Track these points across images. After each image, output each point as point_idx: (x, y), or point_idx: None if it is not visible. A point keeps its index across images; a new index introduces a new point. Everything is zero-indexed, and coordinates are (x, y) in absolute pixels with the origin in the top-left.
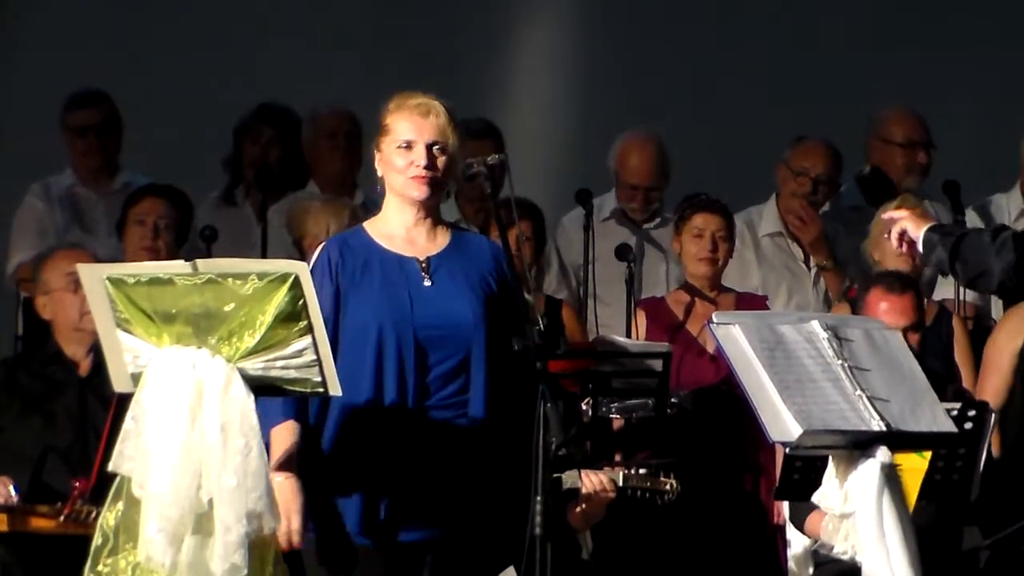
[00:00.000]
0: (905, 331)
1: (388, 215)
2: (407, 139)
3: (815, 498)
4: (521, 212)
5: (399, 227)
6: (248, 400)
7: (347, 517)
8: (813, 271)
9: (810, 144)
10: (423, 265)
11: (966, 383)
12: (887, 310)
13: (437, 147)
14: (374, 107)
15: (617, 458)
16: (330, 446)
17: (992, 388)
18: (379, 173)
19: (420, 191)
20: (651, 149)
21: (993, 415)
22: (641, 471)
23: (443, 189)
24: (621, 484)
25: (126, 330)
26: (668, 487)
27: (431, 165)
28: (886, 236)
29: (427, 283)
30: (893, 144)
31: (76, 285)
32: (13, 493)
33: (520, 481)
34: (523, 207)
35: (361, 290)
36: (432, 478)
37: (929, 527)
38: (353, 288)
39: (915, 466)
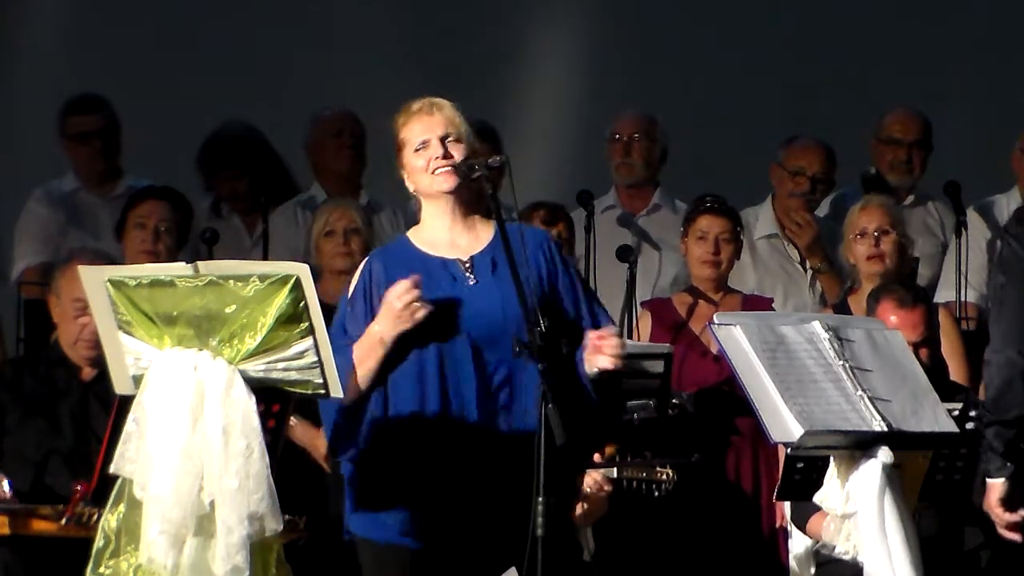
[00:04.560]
0: (916, 346)
1: (427, 222)
2: (421, 140)
3: (817, 498)
4: (556, 215)
5: (440, 231)
6: (249, 402)
7: (391, 518)
8: (809, 273)
9: (804, 143)
10: (466, 265)
11: (954, 375)
12: (897, 325)
13: (450, 138)
14: (376, 108)
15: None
16: (379, 448)
17: None
18: (411, 189)
19: (447, 181)
20: (639, 113)
21: None
22: (636, 461)
23: (470, 178)
24: (615, 476)
25: (127, 332)
26: (664, 477)
27: (447, 155)
28: (853, 237)
29: (472, 282)
30: (883, 142)
31: (79, 312)
32: (7, 488)
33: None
34: (554, 210)
35: None
36: (485, 484)
37: (930, 527)
38: None
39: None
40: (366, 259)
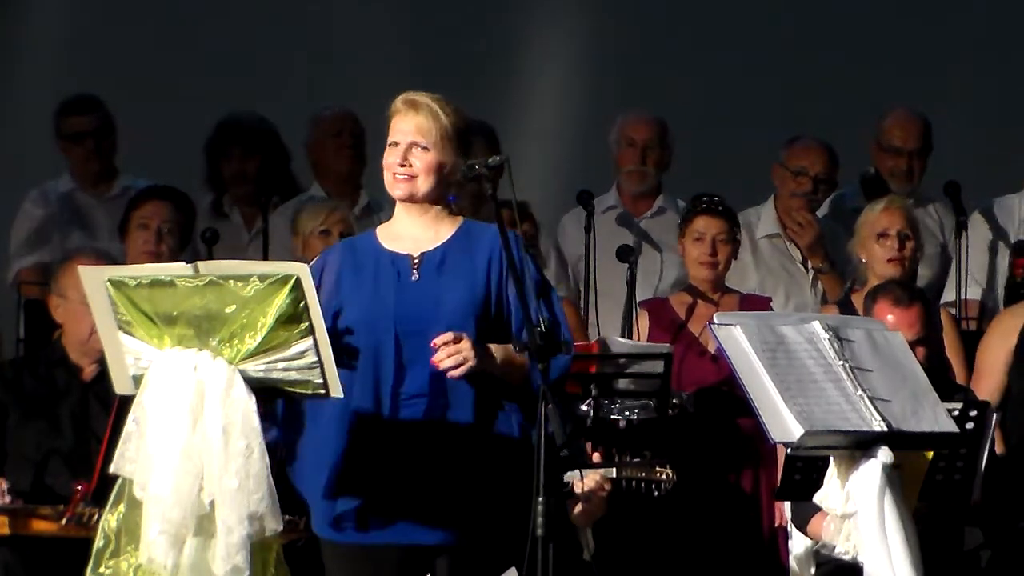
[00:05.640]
0: (912, 345)
1: (395, 217)
2: (392, 139)
3: (817, 498)
4: (522, 213)
5: (403, 226)
6: (249, 402)
7: (320, 515)
8: (811, 273)
9: (806, 143)
10: (415, 261)
11: (958, 376)
12: (893, 324)
13: (418, 147)
14: (376, 108)
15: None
16: (302, 444)
17: (987, 389)
18: None
19: (396, 190)
20: (652, 117)
21: (995, 415)
22: (635, 460)
23: (432, 187)
24: (615, 476)
25: (127, 332)
26: (664, 477)
27: (404, 163)
28: (872, 237)
29: (414, 278)
30: (884, 150)
31: None
32: (5, 492)
33: (505, 481)
34: (520, 208)
35: (350, 290)
36: (406, 476)
37: (930, 527)
38: (341, 290)
39: (916, 466)
40: (323, 251)
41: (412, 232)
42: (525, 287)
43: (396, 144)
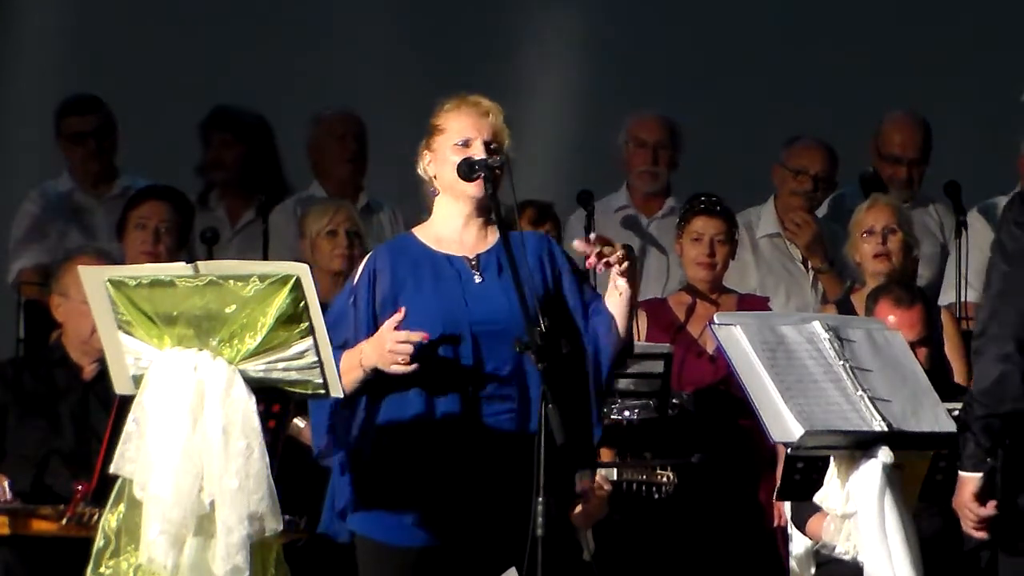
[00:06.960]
0: (914, 346)
1: (439, 217)
2: (466, 137)
3: (817, 498)
4: (544, 214)
5: (449, 229)
6: (250, 402)
7: (393, 518)
8: (811, 272)
9: (806, 143)
10: (472, 263)
11: (957, 377)
12: (895, 324)
13: (493, 146)
14: (376, 108)
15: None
16: (378, 446)
17: None
18: (429, 174)
19: (478, 188)
20: (662, 117)
21: None
22: (637, 462)
23: (469, 177)
24: (615, 478)
25: (127, 332)
26: (664, 479)
27: None
28: (860, 236)
29: (477, 280)
30: (883, 157)
31: None
32: (7, 489)
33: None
34: (543, 209)
35: (412, 292)
36: (485, 482)
37: (931, 528)
38: (403, 291)
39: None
40: (370, 253)
41: (460, 236)
42: (537, 291)
43: (470, 142)
